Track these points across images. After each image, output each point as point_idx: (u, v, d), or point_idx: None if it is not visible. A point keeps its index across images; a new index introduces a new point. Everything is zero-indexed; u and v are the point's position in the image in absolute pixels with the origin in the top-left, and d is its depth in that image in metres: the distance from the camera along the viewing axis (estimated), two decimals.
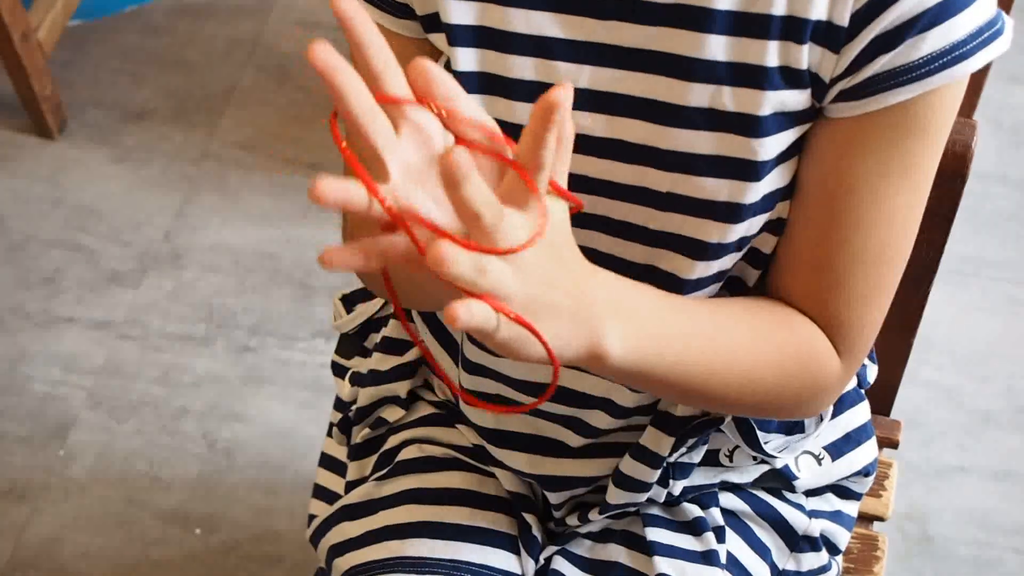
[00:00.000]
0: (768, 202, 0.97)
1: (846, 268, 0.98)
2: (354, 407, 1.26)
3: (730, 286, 1.05)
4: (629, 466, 1.12)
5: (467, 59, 0.96)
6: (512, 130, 0.94)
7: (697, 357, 0.93)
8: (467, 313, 0.74)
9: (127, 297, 2.22)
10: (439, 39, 0.98)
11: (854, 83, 0.92)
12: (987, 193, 2.36)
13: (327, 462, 1.31)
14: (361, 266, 0.76)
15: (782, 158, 0.96)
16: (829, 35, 0.91)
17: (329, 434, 1.32)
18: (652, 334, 0.89)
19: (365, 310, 1.28)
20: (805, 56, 0.92)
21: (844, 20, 0.90)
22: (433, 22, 0.98)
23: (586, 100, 0.95)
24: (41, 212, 2.34)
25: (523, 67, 0.95)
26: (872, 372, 1.25)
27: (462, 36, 0.96)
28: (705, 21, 0.91)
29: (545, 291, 0.80)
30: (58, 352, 2.15)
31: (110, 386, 2.10)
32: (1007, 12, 1.84)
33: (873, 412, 1.27)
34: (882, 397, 1.38)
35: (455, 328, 0.76)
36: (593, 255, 0.96)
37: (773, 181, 0.96)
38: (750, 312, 1.00)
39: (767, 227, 1.00)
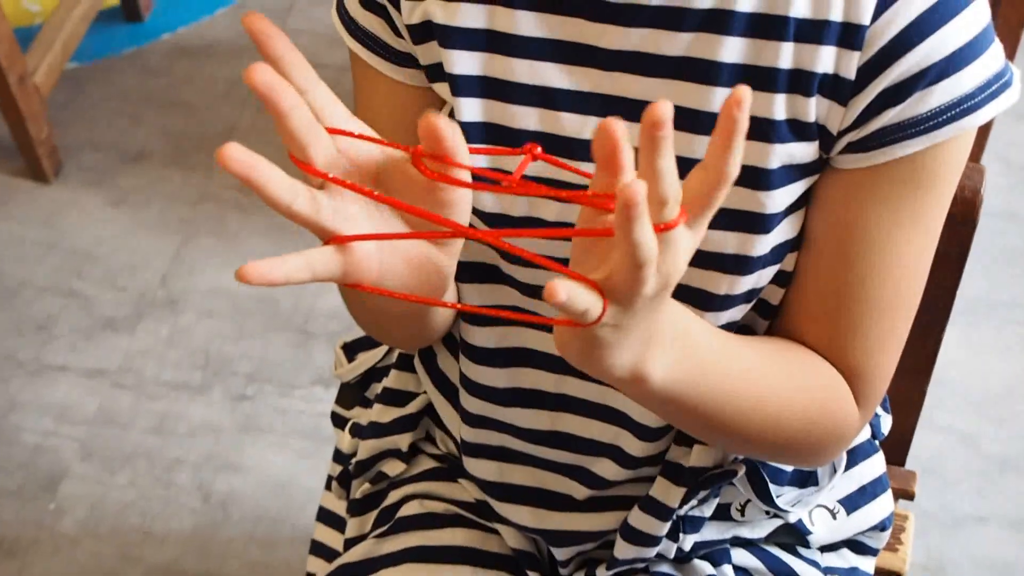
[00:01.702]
0: (777, 254, 0.97)
1: (861, 317, 0.98)
2: (354, 460, 1.24)
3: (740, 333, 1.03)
4: (638, 519, 1.10)
5: (471, 109, 0.96)
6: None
7: (730, 392, 0.92)
8: (566, 293, 0.70)
9: (122, 344, 2.20)
10: (443, 89, 0.98)
11: (862, 135, 0.92)
12: (997, 231, 2.36)
13: (326, 517, 1.30)
14: (279, 278, 0.75)
15: (791, 209, 0.96)
16: (836, 88, 0.91)
17: (328, 487, 1.30)
18: (695, 361, 0.88)
19: (367, 359, 1.27)
20: (812, 108, 0.92)
21: (851, 73, 0.90)
22: (437, 72, 0.98)
23: (590, 152, 0.92)
24: (35, 257, 2.33)
25: (527, 117, 0.95)
26: (886, 423, 1.24)
27: (465, 86, 0.96)
28: (713, 74, 0.91)
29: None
30: (50, 401, 2.13)
31: (103, 436, 2.09)
32: (1013, 50, 1.82)
33: (888, 462, 1.26)
34: (897, 447, 1.37)
35: (552, 304, 0.71)
36: None
37: (782, 233, 0.96)
38: (780, 353, 0.99)
39: (776, 279, 1.00)
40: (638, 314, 0.75)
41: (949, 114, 0.90)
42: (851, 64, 0.90)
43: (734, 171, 0.71)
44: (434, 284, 0.83)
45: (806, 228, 0.98)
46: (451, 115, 0.98)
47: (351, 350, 1.29)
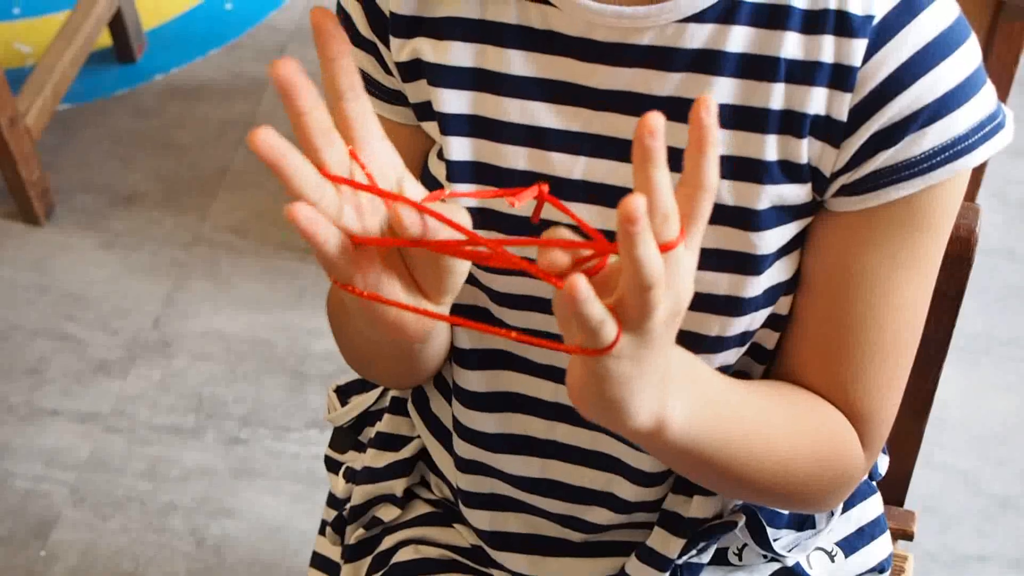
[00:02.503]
0: (770, 296, 0.96)
1: (862, 360, 0.98)
2: (348, 505, 1.23)
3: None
4: (635, 568, 1.09)
5: (460, 149, 0.96)
6: (503, 219, 0.95)
7: (742, 437, 0.91)
8: (585, 291, 0.68)
9: (114, 387, 2.19)
10: (431, 127, 0.98)
11: (856, 178, 0.92)
12: (994, 268, 2.36)
13: (319, 562, 1.29)
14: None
15: (783, 251, 0.95)
16: (828, 129, 0.91)
17: (322, 532, 1.29)
18: (709, 406, 0.87)
19: (360, 402, 1.26)
20: (804, 150, 0.92)
21: (843, 115, 0.90)
22: (426, 111, 0.98)
23: (580, 191, 0.95)
24: (27, 300, 2.32)
25: (516, 156, 0.95)
26: (883, 463, 1.23)
27: (455, 125, 0.96)
28: None
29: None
30: (41, 446, 2.12)
31: (95, 481, 2.07)
32: (1007, 87, 1.82)
33: (886, 502, 1.26)
34: (895, 486, 1.36)
35: (572, 302, 0.68)
36: None
37: (774, 275, 0.95)
38: (785, 396, 0.99)
39: (769, 322, 0.99)
40: (655, 344, 0.73)
41: (943, 156, 0.90)
42: (843, 106, 0.90)
43: (713, 180, 0.70)
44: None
45: (802, 271, 0.97)
46: (439, 154, 0.98)
47: (344, 393, 1.28)
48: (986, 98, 0.92)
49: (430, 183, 0.99)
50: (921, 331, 0.99)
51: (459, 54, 0.95)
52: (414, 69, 0.97)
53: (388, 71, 0.99)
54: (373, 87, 1.00)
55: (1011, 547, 2.00)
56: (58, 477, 2.07)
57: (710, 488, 1.04)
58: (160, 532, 2.00)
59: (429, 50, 0.95)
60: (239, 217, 2.43)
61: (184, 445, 2.11)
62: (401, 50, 0.97)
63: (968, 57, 0.90)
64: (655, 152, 0.67)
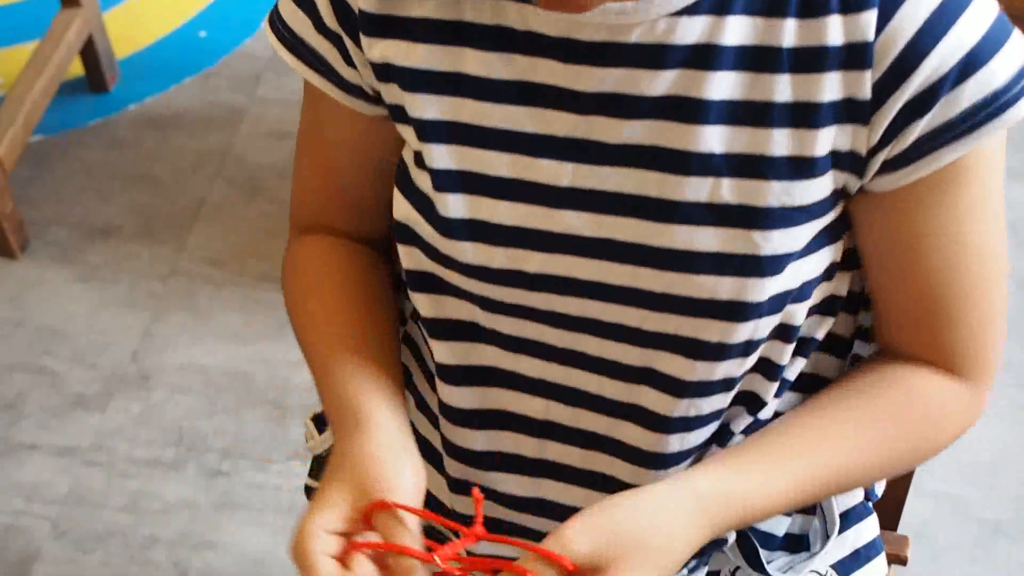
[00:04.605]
0: (776, 303, 0.94)
1: (954, 310, 0.98)
2: None
3: (747, 405, 1.01)
4: None
5: (441, 157, 0.94)
6: (497, 230, 0.93)
7: (796, 495, 0.97)
8: None
9: (93, 421, 2.17)
10: (408, 132, 0.96)
11: (897, 151, 0.90)
12: None
13: None
14: None
15: (792, 257, 0.92)
16: (852, 111, 0.88)
17: None
18: (730, 518, 0.95)
19: None
20: (822, 141, 0.89)
21: (866, 93, 0.88)
22: (401, 114, 0.96)
23: (570, 198, 0.92)
24: (2, 335, 2.30)
25: (500, 164, 0.93)
26: (880, 484, 1.22)
27: (432, 132, 0.94)
28: (699, 112, 0.89)
29: None
30: (20, 481, 2.09)
31: (75, 515, 2.04)
32: None
33: (880, 527, 1.23)
34: (889, 512, 1.35)
35: None
36: (583, 359, 0.97)
37: (782, 282, 0.93)
38: (855, 411, 1.00)
39: (779, 335, 0.97)
40: None
41: (985, 112, 0.88)
42: (863, 84, 0.87)
43: None
44: None
45: (865, 255, 0.97)
46: (421, 162, 0.95)
47: (321, 422, 1.25)
48: (1019, 46, 0.89)
49: (414, 194, 0.97)
50: (1005, 258, 0.99)
51: (432, 57, 0.93)
52: (385, 72, 0.95)
53: (351, 63, 0.97)
54: (331, 76, 0.99)
55: (1002, 573, 1.99)
56: (38, 512, 2.05)
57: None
58: (143, 565, 1.98)
59: (400, 53, 0.93)
60: (216, 249, 2.41)
61: (165, 478, 2.09)
62: (371, 49, 0.95)
63: (986, 7, 0.88)
64: None
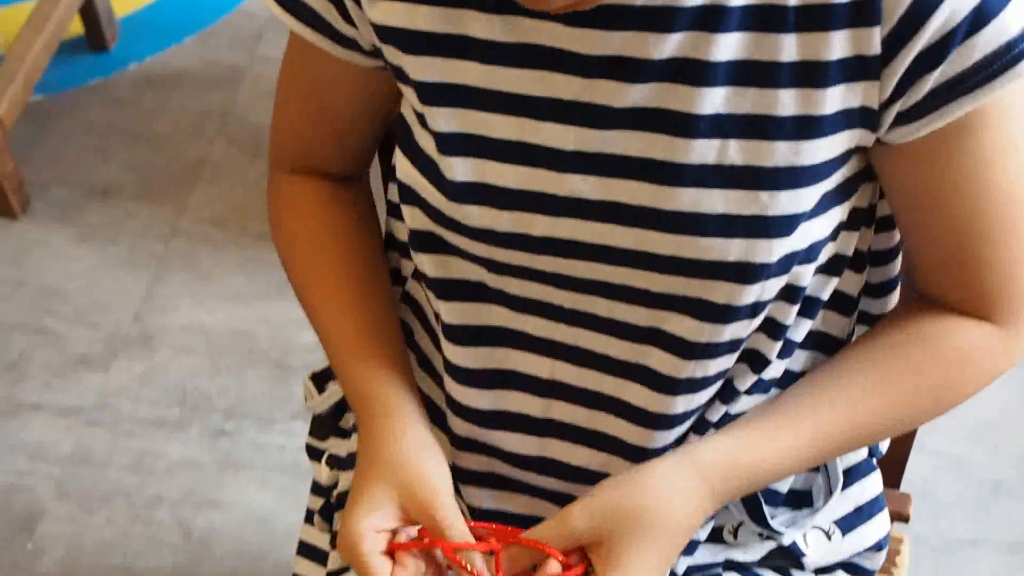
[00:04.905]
0: (784, 265, 0.94)
1: (985, 250, 0.97)
2: (336, 492, 1.21)
3: (750, 363, 1.01)
4: None
5: (444, 120, 0.94)
6: (502, 194, 0.93)
7: (795, 459, 1.00)
8: None
9: (96, 381, 2.17)
10: (410, 93, 0.96)
11: (911, 103, 0.89)
12: None
13: (306, 551, 1.27)
14: None
15: (801, 218, 0.92)
16: (861, 68, 0.88)
17: (308, 521, 1.28)
18: (735, 486, 0.98)
19: (337, 389, 1.24)
20: (829, 100, 0.89)
21: (875, 48, 0.87)
22: (402, 76, 0.96)
23: (575, 162, 0.92)
24: (4, 295, 2.30)
25: (504, 127, 0.92)
26: (884, 442, 1.22)
27: (432, 94, 0.93)
28: (705, 74, 0.88)
29: None
30: (24, 440, 2.09)
31: (79, 475, 2.05)
32: None
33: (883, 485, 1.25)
34: (892, 470, 1.35)
35: None
36: (590, 319, 0.98)
37: (791, 243, 0.93)
38: (869, 369, 1.02)
39: (784, 295, 0.97)
40: None
41: (999, 63, 0.87)
42: (872, 39, 0.87)
43: None
44: None
45: (893, 205, 0.98)
46: (425, 123, 0.95)
47: (320, 380, 1.26)
48: None
49: (418, 156, 0.97)
50: None
51: (434, 20, 0.92)
52: (386, 33, 0.95)
53: (350, 22, 0.97)
54: (326, 29, 0.99)
55: (1003, 532, 1.99)
56: (42, 471, 2.05)
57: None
58: (147, 525, 1.99)
59: (401, 15, 0.93)
60: (218, 209, 2.41)
61: (169, 438, 2.09)
62: (372, 9, 0.94)
63: None
64: None
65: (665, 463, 0.97)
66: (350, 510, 0.98)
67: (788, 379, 1.05)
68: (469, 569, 0.95)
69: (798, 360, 1.05)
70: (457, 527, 0.95)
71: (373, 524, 0.96)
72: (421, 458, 0.99)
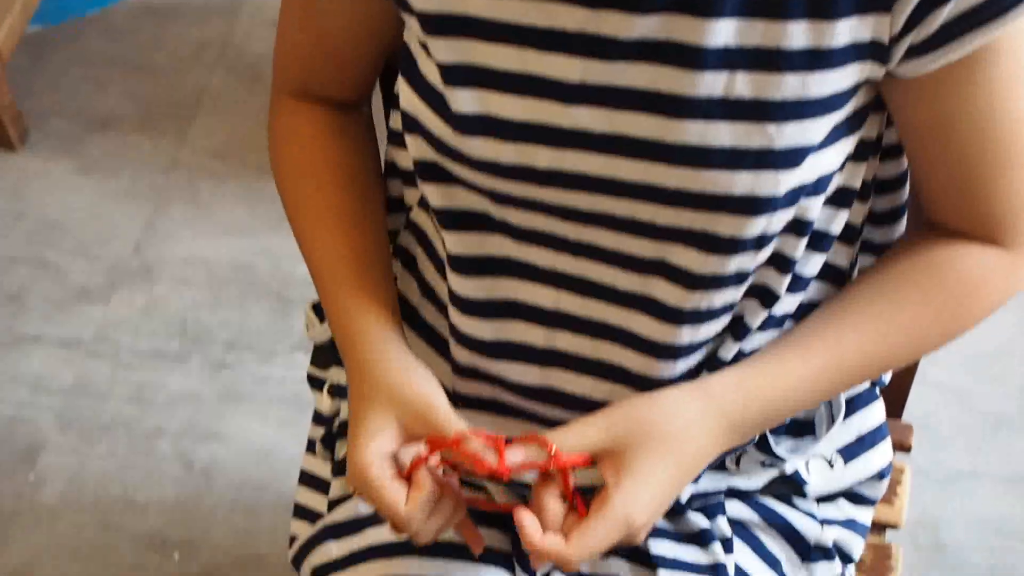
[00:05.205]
0: (791, 197, 0.93)
1: (993, 177, 0.97)
2: (338, 420, 1.22)
3: (760, 298, 1.01)
4: None
5: (447, 50, 0.93)
6: (507, 126, 0.92)
7: (809, 393, 1.00)
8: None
9: (96, 314, 2.17)
10: (412, 22, 0.95)
11: (923, 36, 0.88)
12: None
13: (307, 480, 1.27)
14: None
15: (809, 150, 0.91)
16: (873, 1, 0.87)
17: (310, 450, 1.28)
18: (750, 417, 0.99)
19: None
20: (840, 32, 0.87)
21: None
22: (405, 5, 0.95)
23: (581, 94, 0.91)
24: (3, 227, 2.29)
25: (509, 58, 0.91)
26: (888, 372, 1.22)
27: (435, 25, 0.92)
28: (712, 6, 0.87)
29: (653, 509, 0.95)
30: (25, 372, 2.09)
31: (80, 407, 2.05)
32: None
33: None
34: (893, 400, 1.35)
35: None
36: (595, 251, 0.97)
37: (799, 175, 0.92)
38: (879, 299, 1.02)
39: (792, 229, 0.96)
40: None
41: None
42: None
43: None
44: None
45: (903, 134, 0.97)
46: (428, 52, 0.94)
47: (322, 310, 1.25)
48: None
49: (422, 86, 0.96)
50: None
51: None
52: None
53: None
54: None
55: (1003, 464, 2.00)
56: (43, 403, 2.05)
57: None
58: (148, 456, 1.99)
59: None
60: (218, 140, 2.40)
61: (169, 370, 2.09)
62: None
63: None
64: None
65: (678, 389, 0.98)
66: (352, 442, 0.98)
67: (801, 313, 1.05)
68: (478, 458, 0.94)
69: (807, 293, 1.05)
70: (460, 427, 0.95)
71: (377, 449, 0.96)
72: (410, 377, 0.98)
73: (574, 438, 0.94)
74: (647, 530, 0.95)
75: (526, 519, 0.93)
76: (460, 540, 1.12)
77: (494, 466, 0.94)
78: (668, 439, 0.94)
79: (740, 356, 1.02)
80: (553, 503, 0.94)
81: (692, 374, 1.03)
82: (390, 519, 0.96)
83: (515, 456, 0.94)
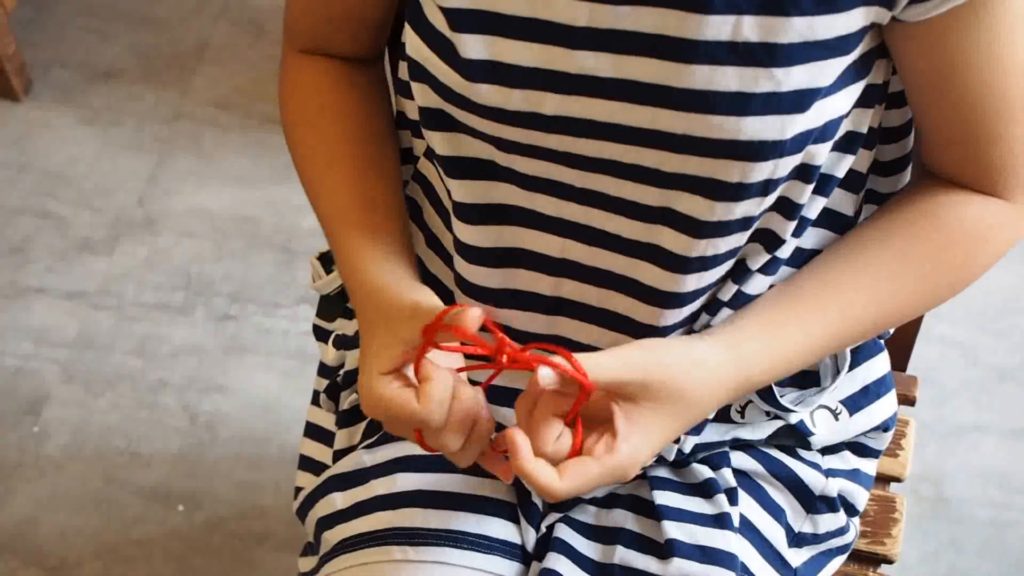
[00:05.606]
0: (798, 143, 0.92)
1: (995, 125, 0.97)
2: (343, 371, 1.22)
3: (764, 243, 1.01)
4: None
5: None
6: (513, 71, 0.92)
7: (822, 346, 1.01)
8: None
9: (100, 266, 2.16)
10: None
11: None
12: None
13: (312, 431, 1.28)
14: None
15: (816, 94, 0.90)
16: None
17: (315, 402, 1.28)
18: (766, 382, 0.99)
19: None
20: None
21: None
22: None
23: (587, 39, 0.90)
24: (7, 178, 2.28)
25: (515, 2, 0.90)
26: None
27: None
28: None
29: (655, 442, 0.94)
30: (29, 324, 2.09)
31: (84, 359, 2.05)
32: None
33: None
34: (898, 352, 1.36)
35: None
36: (601, 198, 0.97)
37: (806, 120, 0.91)
38: (886, 249, 1.02)
39: (799, 174, 0.95)
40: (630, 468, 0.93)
41: None
42: None
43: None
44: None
45: (906, 81, 0.97)
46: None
47: (327, 261, 1.26)
48: None
49: (428, 32, 0.95)
50: None
51: None
52: None
53: None
54: None
55: (1008, 418, 2.00)
56: (47, 355, 2.05)
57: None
58: (152, 409, 1.99)
59: None
60: (221, 91, 2.39)
61: (173, 322, 2.09)
62: None
63: None
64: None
65: (719, 360, 0.97)
66: (361, 371, 0.97)
67: (799, 257, 1.04)
68: (472, 335, 0.91)
69: (808, 238, 1.05)
70: (474, 311, 0.92)
71: (380, 367, 0.94)
72: (414, 295, 0.97)
73: (607, 369, 0.91)
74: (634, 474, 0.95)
75: (519, 438, 0.91)
76: (465, 490, 1.12)
77: (491, 344, 0.91)
78: (691, 406, 0.94)
79: (740, 296, 1.02)
80: (547, 427, 0.92)
81: (691, 319, 1.03)
82: (413, 427, 0.94)
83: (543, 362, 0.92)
